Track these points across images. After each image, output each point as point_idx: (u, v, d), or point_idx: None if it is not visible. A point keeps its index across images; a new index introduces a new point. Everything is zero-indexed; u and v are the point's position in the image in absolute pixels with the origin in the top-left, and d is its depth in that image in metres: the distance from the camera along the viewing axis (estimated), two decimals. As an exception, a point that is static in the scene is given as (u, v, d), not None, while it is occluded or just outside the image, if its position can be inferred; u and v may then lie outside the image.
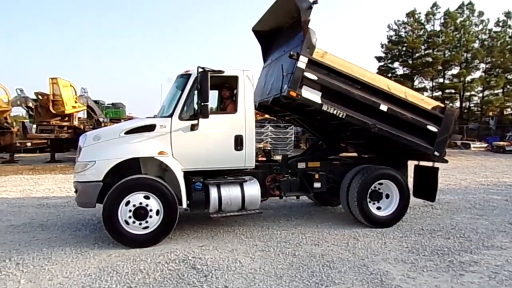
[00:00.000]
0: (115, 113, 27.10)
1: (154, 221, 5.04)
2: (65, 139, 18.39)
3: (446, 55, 37.73)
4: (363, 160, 7.06)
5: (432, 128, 6.31)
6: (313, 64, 5.56)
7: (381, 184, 6.10)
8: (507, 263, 4.36)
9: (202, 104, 5.11)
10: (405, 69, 39.82)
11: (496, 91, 38.56)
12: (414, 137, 6.23)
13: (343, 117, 5.75)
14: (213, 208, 5.38)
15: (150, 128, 5.27)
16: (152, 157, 5.30)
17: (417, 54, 39.01)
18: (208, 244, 5.16)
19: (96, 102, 23.97)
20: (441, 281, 3.88)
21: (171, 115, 5.32)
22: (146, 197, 5.03)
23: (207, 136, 5.40)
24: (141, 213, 4.98)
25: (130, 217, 4.95)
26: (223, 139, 5.48)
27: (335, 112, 5.70)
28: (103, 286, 3.82)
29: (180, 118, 5.31)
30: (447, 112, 6.49)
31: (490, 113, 39.34)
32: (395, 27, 40.22)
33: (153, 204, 5.03)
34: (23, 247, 5.13)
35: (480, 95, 39.27)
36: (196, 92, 5.38)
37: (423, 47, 38.77)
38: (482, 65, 38.87)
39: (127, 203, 4.96)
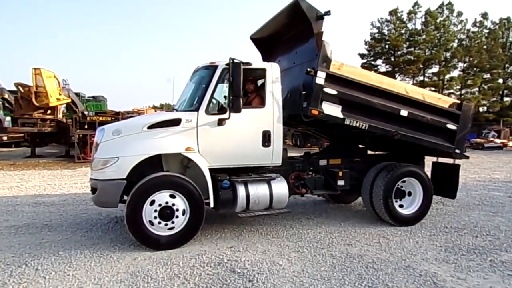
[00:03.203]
0: (97, 106, 26.04)
1: (180, 222, 4.73)
2: (47, 133, 17.52)
3: (427, 54, 38.51)
4: (382, 157, 6.93)
5: (451, 126, 6.31)
6: (331, 78, 5.38)
7: (403, 181, 6.02)
8: (547, 262, 4.35)
9: (234, 97, 4.81)
10: (387, 66, 40.40)
11: (473, 90, 39.81)
12: (435, 137, 6.20)
13: (366, 128, 5.62)
14: (240, 207, 5.11)
15: (175, 122, 4.92)
16: (175, 153, 4.99)
17: (399, 52, 39.67)
18: (237, 245, 4.91)
19: (76, 94, 22.98)
20: (493, 282, 3.81)
21: (197, 109, 4.99)
22: (172, 196, 4.71)
23: (235, 131, 5.11)
24: (166, 213, 4.66)
25: (155, 218, 4.63)
26: (250, 134, 5.20)
27: (357, 124, 5.56)
28: (143, 294, 3.51)
29: (207, 112, 5.00)
30: (464, 108, 6.50)
31: (467, 111, 40.65)
32: (378, 24, 40.80)
33: (179, 203, 4.72)
34: (34, 250, 4.71)
35: (458, 93, 40.42)
36: (223, 85, 5.10)
37: (405, 45, 39.41)
38: (461, 64, 40.04)
39: (152, 202, 4.63)
